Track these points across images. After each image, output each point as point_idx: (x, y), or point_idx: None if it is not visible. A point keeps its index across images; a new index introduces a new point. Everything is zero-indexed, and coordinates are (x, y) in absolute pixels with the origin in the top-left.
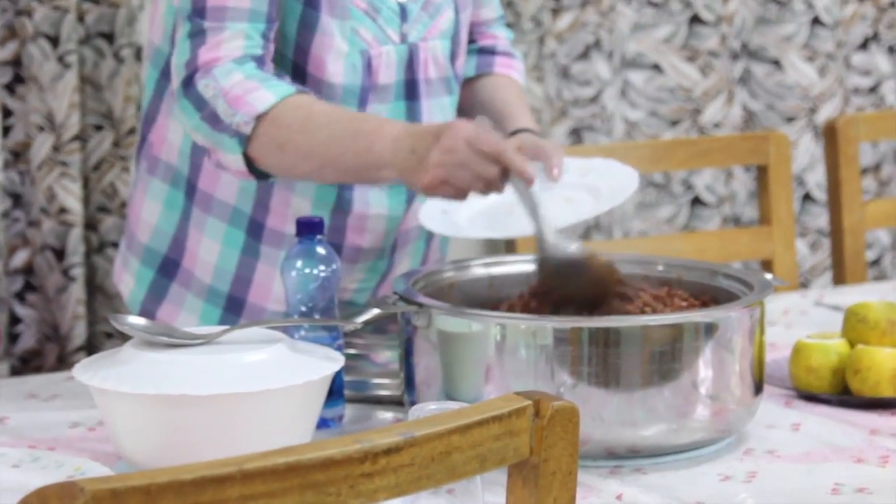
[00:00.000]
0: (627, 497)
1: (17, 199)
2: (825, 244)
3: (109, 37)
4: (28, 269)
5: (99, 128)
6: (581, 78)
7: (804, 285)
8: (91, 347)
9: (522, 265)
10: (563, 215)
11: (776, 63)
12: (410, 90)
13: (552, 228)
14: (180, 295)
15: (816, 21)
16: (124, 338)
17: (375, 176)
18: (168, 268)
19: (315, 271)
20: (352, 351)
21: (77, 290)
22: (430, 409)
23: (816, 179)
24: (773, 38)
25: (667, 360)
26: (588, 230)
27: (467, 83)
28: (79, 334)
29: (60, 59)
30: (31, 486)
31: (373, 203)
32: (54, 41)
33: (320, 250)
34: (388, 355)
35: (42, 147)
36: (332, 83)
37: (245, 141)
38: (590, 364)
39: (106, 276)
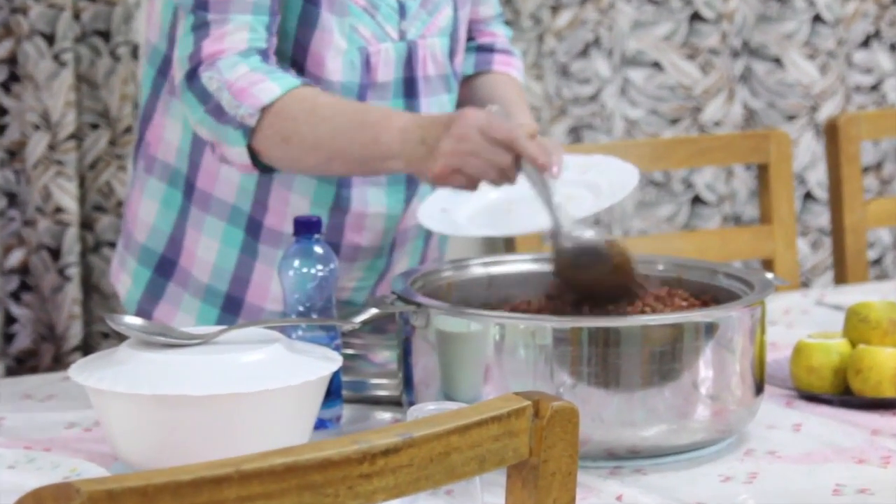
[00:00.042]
0: (627, 498)
1: (12, 199)
2: (826, 243)
3: (105, 35)
4: (24, 269)
5: (95, 126)
6: (580, 76)
7: (805, 285)
8: (87, 347)
9: (521, 265)
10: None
11: (777, 61)
12: (409, 88)
13: (568, 216)
14: (177, 294)
15: (817, 18)
16: (121, 338)
17: (382, 167)
18: (165, 267)
19: (313, 271)
20: (350, 351)
21: (73, 290)
22: (428, 410)
23: (817, 178)
24: (773, 35)
25: (667, 360)
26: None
27: (466, 81)
28: (75, 334)
29: (56, 58)
30: (26, 488)
31: (371, 202)
32: (50, 39)
33: (318, 250)
34: (386, 355)
35: (38, 146)
36: (331, 80)
37: (250, 133)
38: (589, 364)
39: (102, 275)
